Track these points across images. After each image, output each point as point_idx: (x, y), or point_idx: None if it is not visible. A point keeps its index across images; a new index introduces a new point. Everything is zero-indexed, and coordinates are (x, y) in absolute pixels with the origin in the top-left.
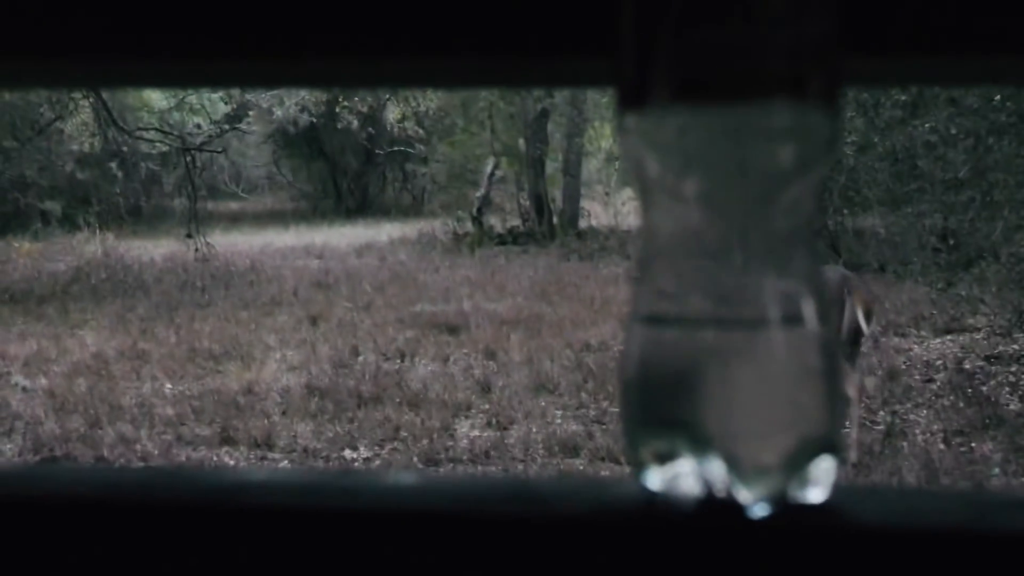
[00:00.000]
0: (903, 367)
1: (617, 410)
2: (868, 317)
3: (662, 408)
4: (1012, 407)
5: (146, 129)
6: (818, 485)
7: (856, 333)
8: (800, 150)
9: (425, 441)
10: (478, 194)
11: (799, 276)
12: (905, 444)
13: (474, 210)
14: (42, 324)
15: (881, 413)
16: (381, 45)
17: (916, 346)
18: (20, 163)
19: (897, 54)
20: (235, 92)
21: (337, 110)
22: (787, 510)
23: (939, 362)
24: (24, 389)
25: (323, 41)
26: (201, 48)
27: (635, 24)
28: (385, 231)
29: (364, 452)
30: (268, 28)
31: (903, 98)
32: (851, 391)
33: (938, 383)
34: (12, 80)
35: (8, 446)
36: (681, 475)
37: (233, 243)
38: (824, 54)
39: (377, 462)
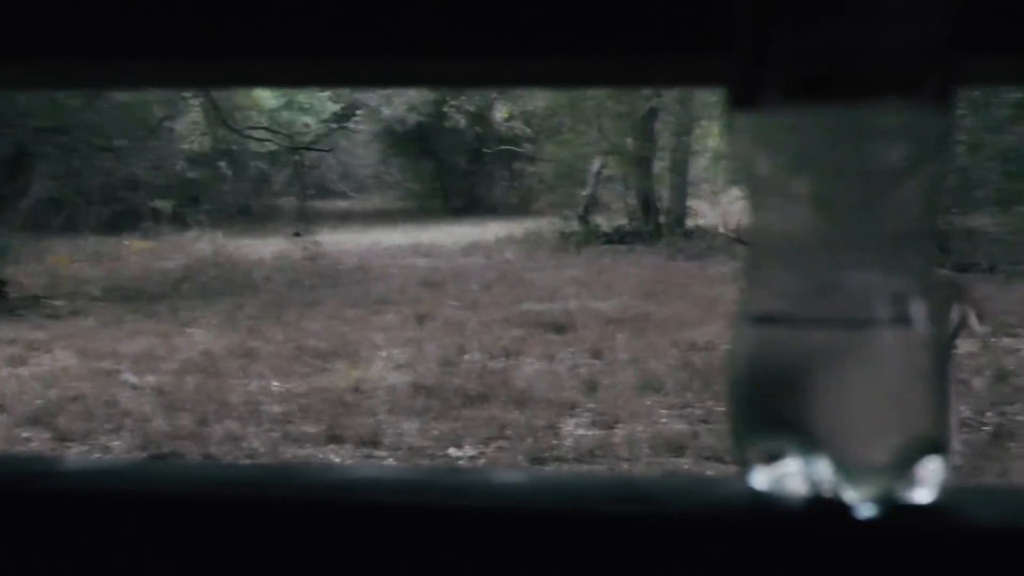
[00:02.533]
0: (1012, 368)
1: (723, 409)
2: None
3: (769, 408)
4: None
5: (256, 128)
6: (926, 486)
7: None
8: (912, 150)
9: (531, 439)
10: (585, 193)
11: (910, 276)
12: (1013, 445)
13: (581, 209)
14: (152, 322)
15: (989, 414)
16: (497, 45)
17: None
18: (132, 162)
19: (1012, 54)
20: (344, 91)
21: (445, 109)
22: (895, 511)
23: None
24: (134, 387)
25: (435, 41)
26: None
27: (749, 24)
28: (492, 230)
29: (470, 450)
30: (378, 28)
31: (1015, 97)
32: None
33: None
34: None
35: (117, 443)
36: (788, 475)
37: (341, 242)
38: (938, 53)
39: (483, 460)
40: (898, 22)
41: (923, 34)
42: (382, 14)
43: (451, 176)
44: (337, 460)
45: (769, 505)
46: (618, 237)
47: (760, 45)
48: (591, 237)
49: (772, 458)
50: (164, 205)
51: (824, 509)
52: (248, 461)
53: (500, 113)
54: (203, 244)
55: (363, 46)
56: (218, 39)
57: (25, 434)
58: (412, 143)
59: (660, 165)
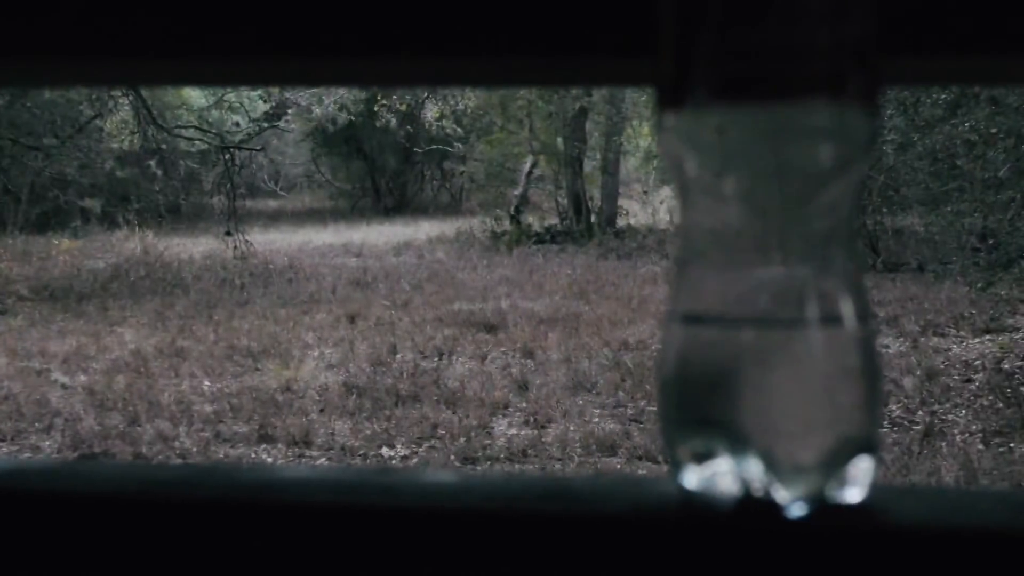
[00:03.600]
0: (942, 367)
1: (655, 409)
2: None
3: (700, 407)
4: None
5: (185, 127)
6: (856, 485)
7: None
8: (839, 150)
9: (463, 439)
10: (516, 193)
11: (838, 275)
12: (944, 444)
13: (512, 209)
14: (81, 321)
15: (919, 413)
16: (420, 44)
17: (955, 346)
18: (60, 161)
19: (937, 54)
20: (274, 90)
21: (375, 108)
22: (825, 510)
23: (978, 362)
24: (63, 386)
25: (361, 40)
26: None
27: (675, 23)
28: (423, 229)
29: (402, 450)
30: (307, 27)
31: (943, 97)
32: None
33: (977, 383)
34: (42, 79)
35: (47, 443)
36: (719, 474)
37: (272, 241)
38: (863, 54)
39: (415, 460)
40: (823, 22)
41: (848, 34)
42: (311, 14)
43: (382, 175)
44: (269, 460)
45: (700, 504)
46: (549, 237)
47: (685, 45)
48: (522, 237)
49: (703, 457)
50: (93, 204)
51: (755, 508)
52: (179, 461)
53: (431, 113)
54: (133, 243)
55: (292, 45)
56: (212, 39)
57: None
58: (343, 143)
59: (591, 165)
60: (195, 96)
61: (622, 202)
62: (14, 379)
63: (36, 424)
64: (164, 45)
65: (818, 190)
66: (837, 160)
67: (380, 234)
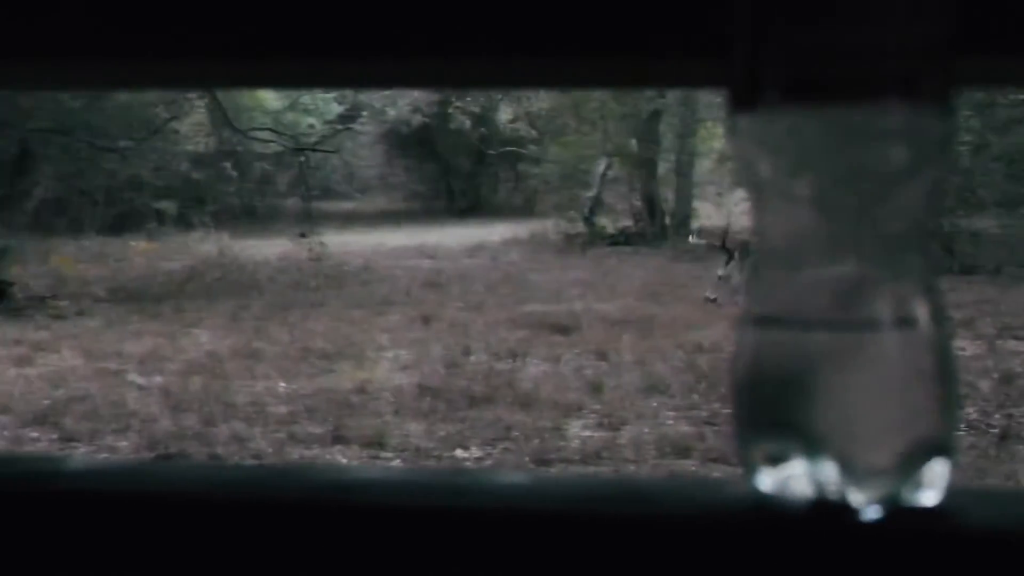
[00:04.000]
0: (1019, 370)
1: (729, 411)
2: None
3: (774, 410)
4: None
5: (260, 129)
6: (931, 488)
7: None
8: (913, 151)
9: (536, 441)
10: (590, 194)
11: (913, 277)
12: (1021, 447)
13: (586, 210)
14: (157, 323)
15: (996, 416)
16: (498, 46)
17: None
18: (136, 163)
19: (1015, 55)
20: (348, 92)
21: (449, 111)
22: (900, 513)
23: None
24: (140, 387)
25: (437, 41)
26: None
27: (747, 25)
28: (497, 231)
29: (475, 452)
30: (379, 28)
31: (1019, 98)
32: None
33: None
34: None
35: (124, 443)
36: (793, 477)
37: (346, 243)
38: (938, 54)
39: (488, 462)
40: (898, 22)
41: (923, 35)
42: (383, 14)
43: (455, 177)
44: (343, 461)
45: (774, 507)
46: (623, 238)
47: (758, 46)
48: (596, 238)
49: (777, 460)
50: (168, 206)
51: (829, 511)
52: (254, 462)
53: (504, 114)
54: (208, 245)
55: (364, 46)
56: (217, 39)
57: (32, 434)
58: (416, 144)
59: (665, 167)
60: (269, 98)
61: (696, 204)
62: (91, 380)
63: (113, 425)
64: (164, 46)
65: (892, 192)
66: (911, 162)
67: (453, 236)
